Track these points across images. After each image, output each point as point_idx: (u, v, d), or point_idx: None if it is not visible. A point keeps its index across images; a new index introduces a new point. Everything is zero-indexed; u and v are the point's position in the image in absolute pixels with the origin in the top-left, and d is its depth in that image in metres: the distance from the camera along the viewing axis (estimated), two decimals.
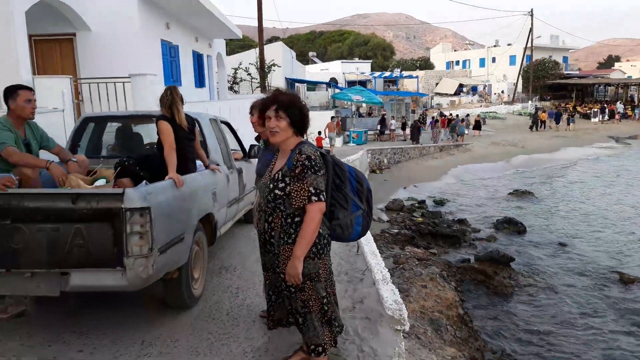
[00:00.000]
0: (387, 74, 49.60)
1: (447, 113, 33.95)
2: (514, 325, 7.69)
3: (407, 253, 8.75)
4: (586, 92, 53.69)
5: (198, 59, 15.47)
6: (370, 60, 57.85)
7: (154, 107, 8.50)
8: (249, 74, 23.67)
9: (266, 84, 22.10)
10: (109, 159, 4.62)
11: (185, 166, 3.91)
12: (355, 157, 16.57)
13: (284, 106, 2.63)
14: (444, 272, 7.50)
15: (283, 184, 2.61)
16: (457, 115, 31.73)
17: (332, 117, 22.36)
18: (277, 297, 2.82)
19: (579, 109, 44.38)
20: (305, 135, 2.80)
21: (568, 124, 36.41)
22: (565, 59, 60.98)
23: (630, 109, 43.91)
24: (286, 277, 2.57)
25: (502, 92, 53.18)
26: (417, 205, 14.96)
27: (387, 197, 15.48)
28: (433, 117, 30.55)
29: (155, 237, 2.96)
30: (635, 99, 49.34)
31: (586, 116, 41.46)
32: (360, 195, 2.76)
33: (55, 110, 6.63)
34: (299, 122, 2.69)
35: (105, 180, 3.60)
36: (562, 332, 7.49)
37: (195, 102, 12.26)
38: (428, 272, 6.92)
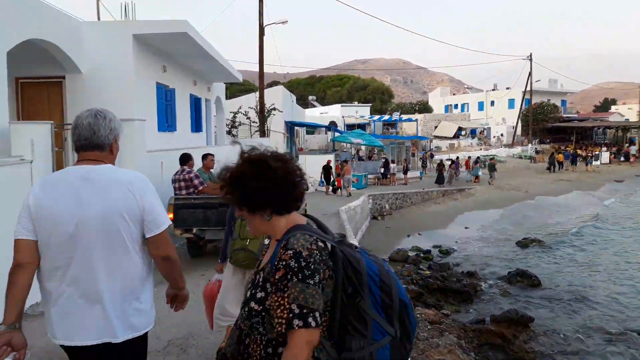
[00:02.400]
0: (387, 117, 49.68)
1: (447, 157, 33.57)
2: None
3: (418, 315, 7.93)
4: (585, 135, 53.65)
5: (196, 103, 15.01)
6: (370, 104, 58.09)
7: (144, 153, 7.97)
8: (248, 118, 23.26)
9: (265, 127, 21.66)
10: None
11: None
12: (357, 204, 15.89)
13: (232, 186, 1.72)
14: (462, 341, 6.67)
15: (262, 293, 1.67)
16: (491, 158, 31.93)
17: (345, 161, 21.84)
18: None
19: (579, 151, 44.09)
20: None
21: (587, 165, 37.42)
22: (563, 102, 61.52)
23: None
24: None
25: (502, 135, 53.19)
26: (422, 255, 14.17)
27: (390, 246, 14.70)
28: (450, 159, 30.55)
29: None
30: (637, 142, 49.21)
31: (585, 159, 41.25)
32: (387, 312, 1.69)
33: (21, 161, 5.48)
34: (265, 197, 1.68)
35: None
36: None
37: (191, 149, 11.68)
38: (445, 343, 6.10)
